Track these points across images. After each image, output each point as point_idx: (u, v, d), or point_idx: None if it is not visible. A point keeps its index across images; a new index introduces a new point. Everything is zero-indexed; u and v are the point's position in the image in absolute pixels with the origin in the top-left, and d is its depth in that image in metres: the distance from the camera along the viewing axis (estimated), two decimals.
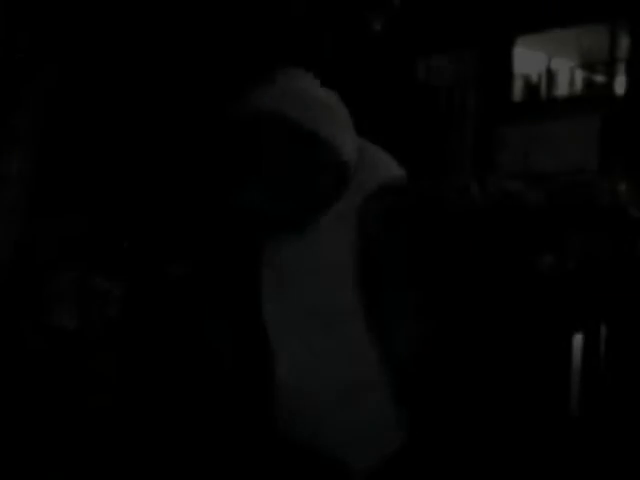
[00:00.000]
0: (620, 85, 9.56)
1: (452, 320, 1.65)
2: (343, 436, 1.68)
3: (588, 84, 10.21)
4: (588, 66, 10.23)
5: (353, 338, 1.68)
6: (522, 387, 1.69)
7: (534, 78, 10.56)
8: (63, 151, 5.37)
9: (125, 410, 2.74)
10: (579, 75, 10.36)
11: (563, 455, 1.74)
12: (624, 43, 9.63)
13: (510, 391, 1.67)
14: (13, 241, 4.03)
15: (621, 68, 9.52)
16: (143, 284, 3.23)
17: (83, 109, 5.82)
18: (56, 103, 4.34)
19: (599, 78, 10.14)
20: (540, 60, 10.69)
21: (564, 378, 1.78)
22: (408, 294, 1.67)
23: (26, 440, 2.96)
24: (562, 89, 10.41)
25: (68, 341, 3.12)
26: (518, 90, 10.52)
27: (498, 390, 1.66)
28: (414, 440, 1.63)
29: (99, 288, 3.29)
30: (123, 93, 6.24)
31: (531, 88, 10.52)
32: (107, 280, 3.30)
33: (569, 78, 10.29)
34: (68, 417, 2.98)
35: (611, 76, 9.78)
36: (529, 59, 10.63)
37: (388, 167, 1.81)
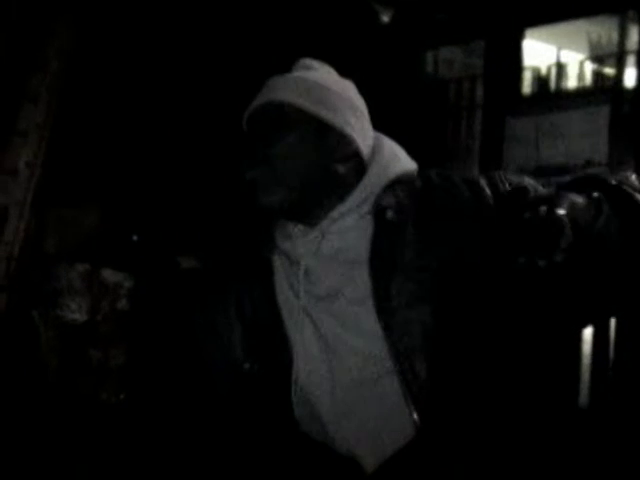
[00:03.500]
0: (630, 77, 9.53)
1: (456, 308, 1.65)
2: (354, 431, 1.68)
3: (598, 76, 10.17)
4: (598, 58, 10.19)
5: (364, 329, 1.69)
6: (529, 378, 1.68)
7: (543, 70, 10.52)
8: (74, 144, 5.37)
9: (136, 404, 2.73)
10: (589, 67, 10.33)
11: (571, 448, 1.73)
12: (634, 35, 9.59)
13: (517, 382, 1.67)
14: (23, 234, 4.04)
15: (631, 60, 9.49)
16: (153, 277, 3.23)
17: (95, 102, 5.82)
18: (68, 96, 4.35)
19: (609, 70, 10.10)
20: (549, 52, 10.67)
21: (573, 370, 1.78)
22: (414, 283, 1.67)
23: (37, 434, 2.96)
24: (572, 81, 10.38)
25: (78, 334, 3.12)
26: (527, 82, 10.48)
27: (505, 383, 1.66)
28: (423, 433, 1.63)
29: (109, 281, 3.29)
30: (134, 87, 6.23)
31: (540, 80, 10.48)
32: (117, 273, 3.30)
33: (579, 70, 10.25)
34: (79, 411, 2.98)
35: (621, 68, 9.75)
36: (538, 51, 10.60)
37: (403, 160, 1.82)
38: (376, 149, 1.83)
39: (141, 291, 3.25)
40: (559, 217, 1.46)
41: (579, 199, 1.53)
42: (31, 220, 4.24)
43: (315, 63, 1.88)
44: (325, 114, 1.78)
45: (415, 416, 1.63)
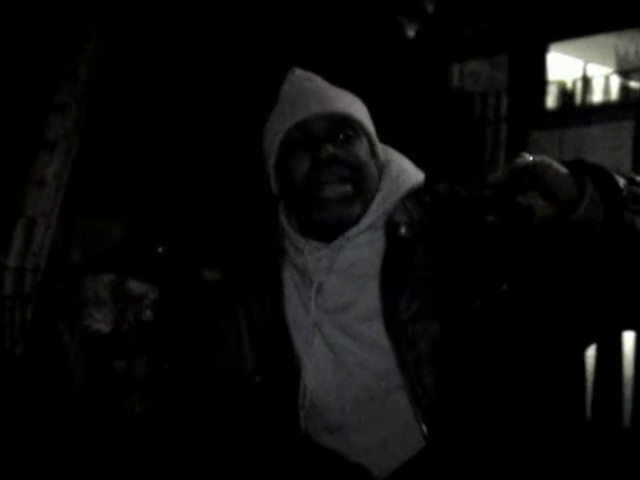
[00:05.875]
0: None
1: (464, 323, 1.65)
2: (364, 443, 1.69)
3: (624, 91, 10.15)
4: (624, 72, 10.17)
5: (374, 343, 1.69)
6: (539, 392, 1.68)
7: (569, 84, 10.51)
8: (102, 155, 5.41)
9: (160, 414, 2.76)
10: (615, 81, 10.31)
11: (577, 460, 1.73)
12: None
13: (526, 396, 1.67)
14: (50, 245, 4.07)
15: None
16: (178, 289, 3.25)
17: (123, 113, 5.87)
18: (96, 106, 4.38)
19: (635, 85, 10.08)
20: (576, 66, 10.65)
21: (579, 383, 1.77)
22: (423, 298, 1.67)
23: (61, 444, 2.98)
24: (597, 96, 10.36)
25: (103, 345, 3.15)
26: (552, 96, 10.47)
27: (514, 396, 1.66)
28: (432, 444, 1.64)
29: (135, 292, 3.32)
30: (162, 99, 6.27)
31: (566, 94, 10.47)
32: (142, 284, 3.33)
33: (604, 84, 10.24)
34: (103, 421, 3.01)
35: None
36: (565, 65, 10.59)
37: (411, 173, 1.81)
38: (385, 163, 1.82)
39: (166, 302, 3.27)
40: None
41: None
42: (58, 231, 4.26)
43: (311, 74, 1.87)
44: (373, 130, 1.78)
45: (424, 429, 1.63)
